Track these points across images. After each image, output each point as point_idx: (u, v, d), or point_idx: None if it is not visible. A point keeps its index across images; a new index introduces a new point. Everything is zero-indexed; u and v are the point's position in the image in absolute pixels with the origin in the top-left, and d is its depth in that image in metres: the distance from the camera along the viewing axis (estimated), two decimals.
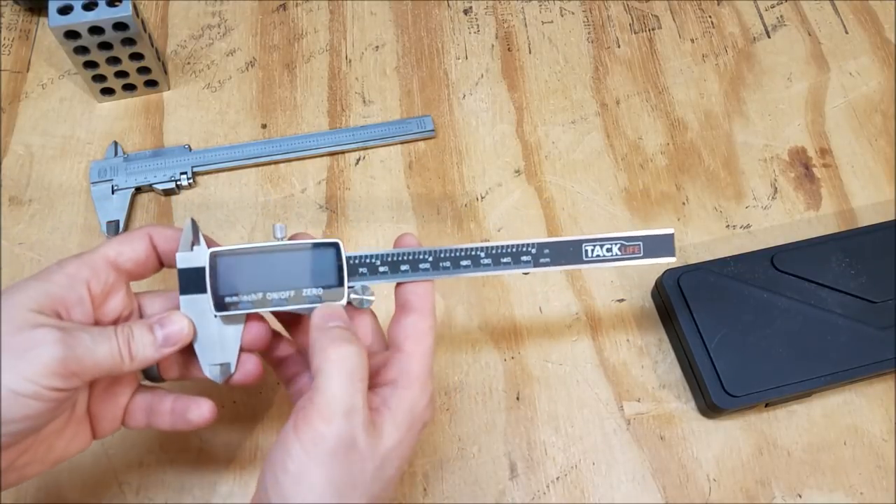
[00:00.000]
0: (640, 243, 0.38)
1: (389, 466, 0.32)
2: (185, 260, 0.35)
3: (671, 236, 0.38)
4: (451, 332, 0.50)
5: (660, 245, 0.38)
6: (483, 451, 0.46)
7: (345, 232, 0.53)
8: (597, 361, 0.49)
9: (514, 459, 0.46)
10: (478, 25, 0.62)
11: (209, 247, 0.36)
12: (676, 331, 0.48)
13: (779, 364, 0.45)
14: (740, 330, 0.46)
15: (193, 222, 0.35)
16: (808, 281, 0.48)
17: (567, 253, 0.37)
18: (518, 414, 0.47)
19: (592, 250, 0.37)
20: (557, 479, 0.45)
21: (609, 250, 0.38)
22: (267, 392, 0.47)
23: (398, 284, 0.37)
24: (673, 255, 0.38)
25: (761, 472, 0.46)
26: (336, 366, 0.31)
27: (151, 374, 0.38)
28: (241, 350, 0.36)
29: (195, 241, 0.35)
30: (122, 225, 0.52)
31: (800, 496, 0.45)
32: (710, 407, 0.45)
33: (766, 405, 0.47)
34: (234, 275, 0.35)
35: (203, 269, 0.35)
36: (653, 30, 0.63)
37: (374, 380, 0.35)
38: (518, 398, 0.48)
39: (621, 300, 0.51)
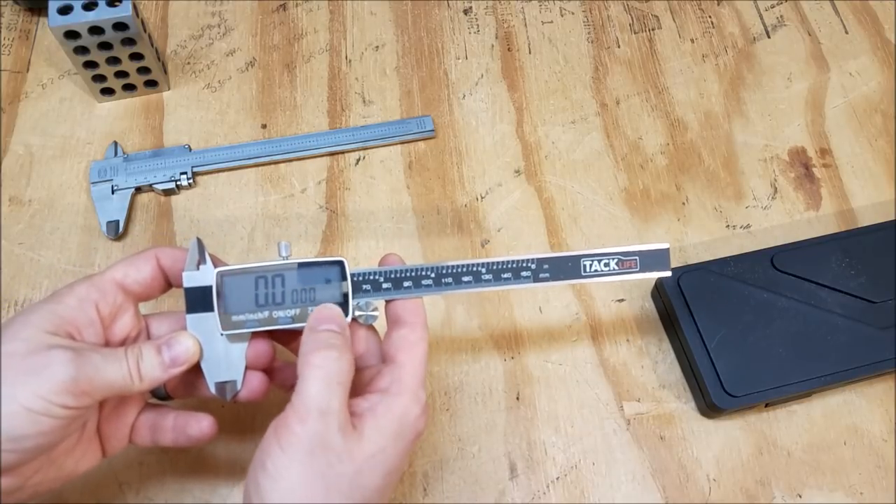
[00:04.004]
0: (637, 258, 0.39)
1: (371, 473, 0.32)
2: (192, 279, 0.36)
3: (667, 251, 0.39)
4: (451, 332, 0.50)
5: (656, 260, 0.39)
6: (483, 451, 0.46)
7: (345, 232, 0.53)
8: (597, 362, 0.49)
9: (514, 459, 0.46)
10: (478, 25, 0.62)
11: (215, 265, 0.36)
12: (676, 331, 0.48)
13: (779, 364, 0.45)
14: (740, 330, 0.46)
15: (199, 241, 0.36)
16: (808, 281, 0.48)
17: (566, 268, 0.38)
18: (518, 414, 0.47)
19: (591, 265, 0.39)
20: (557, 479, 0.45)
21: (607, 265, 0.39)
22: (267, 393, 0.47)
23: (388, 302, 0.37)
24: (668, 269, 0.40)
25: (761, 472, 0.46)
26: (315, 370, 0.32)
27: (159, 394, 0.39)
28: (246, 368, 0.37)
29: (201, 261, 0.36)
30: (122, 225, 0.52)
31: (800, 496, 0.45)
32: (710, 407, 0.45)
33: (766, 405, 0.47)
34: (240, 294, 0.36)
35: (209, 287, 0.36)
36: (653, 30, 0.63)
37: (367, 388, 0.35)
38: (518, 398, 0.48)
39: (621, 300, 0.51)
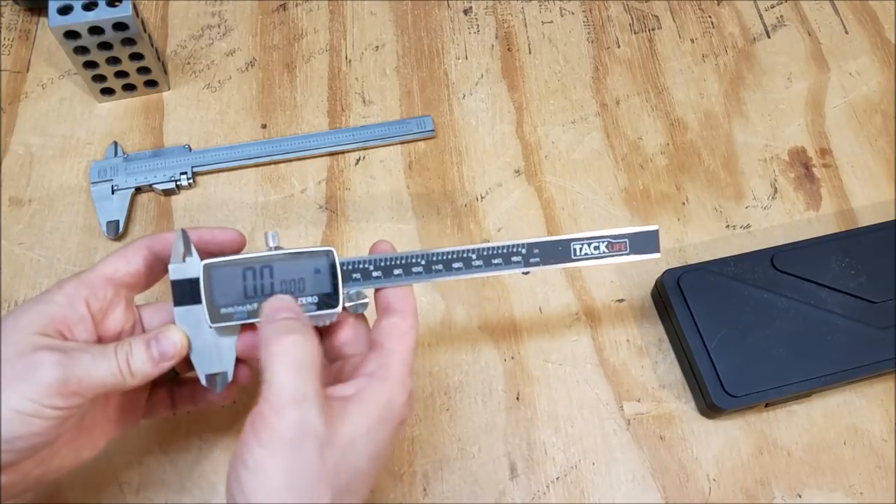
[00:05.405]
0: (627, 240, 0.39)
1: (357, 456, 0.32)
2: (178, 271, 0.35)
3: (656, 233, 0.39)
4: (451, 332, 0.50)
5: (645, 242, 0.39)
6: (483, 451, 0.46)
7: (345, 232, 0.53)
8: (597, 361, 0.49)
9: (514, 459, 0.46)
10: (478, 25, 0.62)
11: (202, 257, 0.36)
12: (676, 331, 0.48)
13: (779, 364, 0.45)
14: (740, 330, 0.46)
15: (184, 233, 0.36)
16: (808, 281, 0.48)
17: (556, 252, 0.38)
18: (518, 414, 0.47)
19: (581, 249, 0.38)
20: (557, 479, 0.45)
21: (597, 248, 0.38)
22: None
23: (377, 290, 0.37)
24: (657, 251, 0.39)
25: (761, 472, 0.46)
26: (279, 358, 0.32)
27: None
28: (237, 359, 0.37)
29: (187, 252, 0.35)
30: (122, 225, 0.52)
31: (800, 496, 0.45)
32: (710, 407, 0.45)
33: (766, 405, 0.47)
34: (228, 286, 0.35)
35: (196, 280, 0.35)
36: (653, 30, 0.63)
37: (354, 373, 0.35)
38: (518, 398, 0.48)
39: (621, 300, 0.51)
